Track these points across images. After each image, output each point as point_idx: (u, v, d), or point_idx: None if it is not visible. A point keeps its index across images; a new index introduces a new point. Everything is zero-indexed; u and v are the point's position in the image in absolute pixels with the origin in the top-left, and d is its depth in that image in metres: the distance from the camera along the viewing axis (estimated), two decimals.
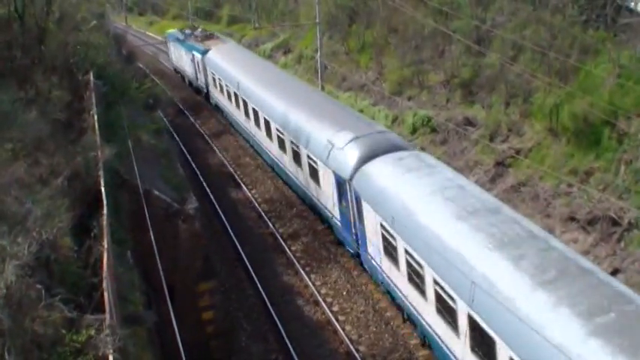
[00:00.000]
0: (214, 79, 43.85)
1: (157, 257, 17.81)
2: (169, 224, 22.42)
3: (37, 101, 22.19)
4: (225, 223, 30.61)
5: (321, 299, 24.35)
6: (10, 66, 24.53)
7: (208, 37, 49.57)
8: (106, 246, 14.45)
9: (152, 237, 18.71)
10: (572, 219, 24.62)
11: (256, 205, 32.46)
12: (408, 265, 19.30)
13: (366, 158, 23.09)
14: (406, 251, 19.19)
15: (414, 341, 21.52)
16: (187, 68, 51.37)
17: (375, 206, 21.23)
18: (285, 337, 22.29)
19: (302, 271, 26.19)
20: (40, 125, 19.46)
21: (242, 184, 35.07)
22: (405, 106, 36.72)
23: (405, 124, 35.51)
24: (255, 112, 34.78)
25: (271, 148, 33.25)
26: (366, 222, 22.42)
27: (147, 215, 19.97)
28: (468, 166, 30.38)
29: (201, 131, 44.13)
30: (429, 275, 17.95)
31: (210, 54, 44.71)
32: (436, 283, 17.51)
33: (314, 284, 25.36)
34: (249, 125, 37.17)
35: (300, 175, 29.28)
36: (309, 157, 27.13)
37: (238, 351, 22.44)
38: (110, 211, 16.92)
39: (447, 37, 35.64)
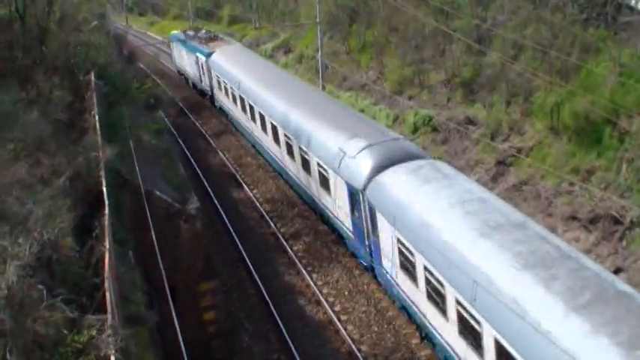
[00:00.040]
0: (219, 82, 42.95)
1: (159, 257, 17.82)
2: (171, 224, 22.42)
3: (38, 101, 22.21)
4: (227, 223, 30.60)
5: (322, 299, 24.34)
6: (12, 66, 24.55)
7: (212, 38, 48.76)
8: (107, 246, 14.45)
9: (154, 237, 18.72)
10: (574, 218, 24.60)
11: (258, 204, 32.46)
12: (427, 282, 18.31)
13: (380, 167, 22.15)
14: (425, 268, 18.18)
15: (415, 341, 21.51)
16: (191, 70, 50.63)
17: (391, 219, 20.21)
18: (287, 337, 22.28)
19: (304, 271, 26.18)
20: (41, 125, 19.47)
21: (243, 184, 35.06)
22: (405, 105, 36.71)
23: (406, 124, 35.50)
24: (262, 117, 33.80)
25: (278, 153, 32.37)
26: (380, 234, 21.44)
27: (148, 215, 19.98)
28: (469, 166, 30.37)
29: (203, 131, 44.11)
30: (450, 295, 16.95)
31: (214, 56, 43.95)
32: (459, 303, 16.52)
33: (316, 284, 25.36)
34: (255, 130, 36.18)
35: (309, 183, 28.33)
36: (319, 164, 26.10)
37: (240, 351, 22.43)
38: (112, 211, 16.93)
39: (447, 36, 35.63)
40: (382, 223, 20.96)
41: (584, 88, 26.53)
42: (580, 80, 27.55)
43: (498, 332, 14.81)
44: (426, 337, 20.34)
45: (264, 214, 31.33)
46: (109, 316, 12.18)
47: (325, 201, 26.60)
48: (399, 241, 19.81)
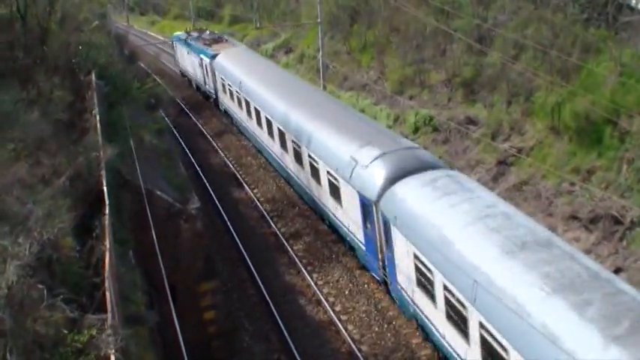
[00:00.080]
0: (224, 85, 42.07)
1: (159, 257, 17.84)
2: (171, 224, 22.45)
3: (39, 101, 22.24)
4: (227, 222, 30.61)
5: (323, 299, 24.34)
6: (12, 66, 24.58)
7: (217, 40, 48.15)
8: (107, 246, 14.48)
9: (154, 237, 18.74)
10: (575, 218, 24.60)
11: (258, 204, 32.47)
12: (447, 302, 17.27)
13: (394, 178, 21.13)
14: (445, 287, 17.18)
15: (415, 340, 21.51)
16: (195, 73, 49.90)
17: (407, 233, 19.18)
18: (288, 337, 22.28)
19: (304, 271, 26.19)
20: (42, 125, 19.50)
21: (244, 184, 35.07)
22: (406, 105, 36.71)
23: (406, 124, 35.52)
24: (269, 122, 32.75)
25: (286, 160, 31.36)
26: (395, 249, 20.41)
27: (149, 215, 20.00)
28: (469, 165, 30.38)
29: (204, 131, 44.13)
30: (473, 318, 15.92)
31: (219, 58, 42.97)
32: (482, 326, 15.47)
33: (316, 284, 25.36)
34: (261, 135, 35.14)
35: (318, 192, 27.32)
36: (329, 173, 25.09)
37: (240, 351, 22.42)
38: (112, 211, 16.95)
39: (448, 36, 35.64)
40: (397, 237, 19.97)
41: (585, 88, 26.54)
42: (581, 80, 27.54)
43: None
44: (445, 359, 19.10)
45: (265, 213, 31.33)
46: (109, 315, 12.20)
47: (335, 211, 25.69)
48: (415, 257, 18.78)
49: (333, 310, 23.66)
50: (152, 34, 79.87)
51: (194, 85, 52.41)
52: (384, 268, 22.14)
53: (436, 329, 18.66)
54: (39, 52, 26.23)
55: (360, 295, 24.41)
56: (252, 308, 24.64)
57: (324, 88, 40.01)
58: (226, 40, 48.79)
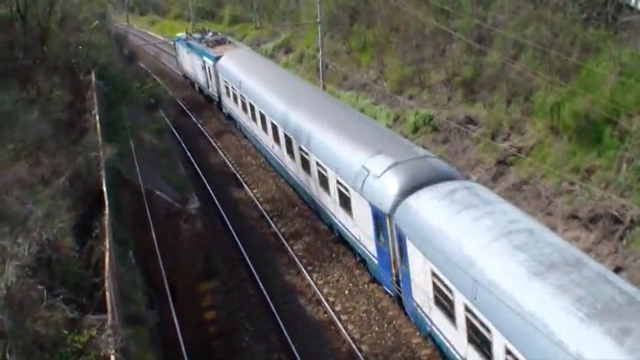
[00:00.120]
0: (227, 88, 41.34)
1: (159, 257, 17.85)
2: (171, 224, 22.45)
3: (38, 101, 22.23)
4: (227, 222, 30.61)
5: (323, 298, 24.34)
6: (12, 66, 24.58)
7: (220, 41, 47.45)
8: (107, 246, 14.47)
9: (154, 237, 18.74)
10: (574, 217, 24.62)
11: (258, 204, 32.47)
12: (469, 324, 16.33)
13: (409, 189, 20.26)
14: (467, 308, 16.27)
15: (416, 340, 21.52)
16: (198, 75, 49.22)
17: (425, 249, 18.24)
18: (288, 337, 22.28)
19: (304, 271, 26.19)
20: (41, 125, 19.49)
21: (244, 184, 35.07)
22: (406, 105, 36.72)
23: (406, 123, 35.53)
24: (275, 128, 31.75)
25: (293, 167, 30.38)
26: (411, 264, 19.51)
27: (148, 215, 20.00)
28: (469, 165, 30.40)
29: (203, 131, 44.13)
30: (499, 343, 14.92)
31: (222, 60, 42.25)
32: (509, 353, 14.49)
33: (316, 283, 25.37)
34: (267, 141, 34.21)
35: (327, 202, 26.41)
36: (339, 182, 24.17)
37: (240, 351, 22.43)
38: (112, 211, 16.95)
39: (448, 35, 35.64)
40: (413, 252, 19.03)
41: (585, 87, 26.55)
42: (580, 80, 27.55)
43: None
44: None
45: (265, 213, 31.33)
46: (109, 316, 12.20)
47: (346, 222, 24.82)
48: (434, 274, 17.85)
49: (333, 310, 23.67)
50: (152, 34, 79.89)
51: (197, 88, 51.60)
52: (397, 282, 21.34)
53: (456, 352, 17.65)
54: (39, 52, 26.24)
55: (360, 295, 24.41)
56: (252, 308, 24.64)
57: (324, 87, 40.02)
58: (229, 42, 48.15)
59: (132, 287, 16.99)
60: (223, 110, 44.62)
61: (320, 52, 40.34)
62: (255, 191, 34.13)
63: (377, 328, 22.60)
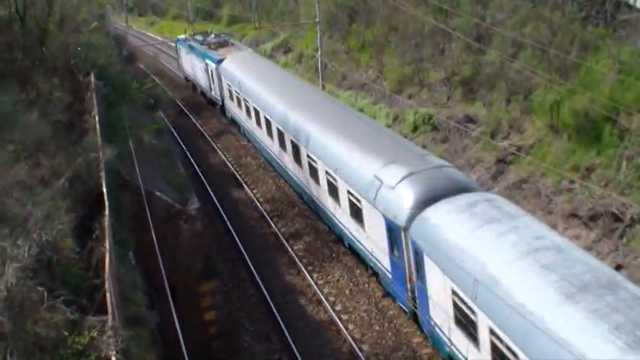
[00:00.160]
0: (230, 92, 40.59)
1: (159, 258, 17.85)
2: (171, 224, 22.45)
3: (38, 103, 22.23)
4: (227, 223, 30.62)
5: (323, 298, 24.34)
6: (11, 67, 24.58)
7: (222, 44, 46.90)
8: (107, 247, 14.48)
9: (154, 237, 18.75)
10: (574, 215, 24.63)
11: (258, 204, 32.47)
12: (494, 349, 15.38)
13: (426, 201, 19.32)
14: (492, 332, 15.30)
15: (416, 339, 21.52)
16: (200, 78, 48.59)
17: (444, 266, 17.34)
18: (288, 337, 22.29)
19: (304, 271, 26.18)
20: (41, 127, 19.50)
21: (244, 184, 35.07)
22: (405, 104, 36.73)
23: (405, 123, 35.53)
24: (280, 133, 30.90)
25: (300, 175, 29.33)
26: (428, 281, 18.52)
27: (148, 216, 20.00)
28: (469, 164, 30.41)
29: (203, 131, 44.13)
30: None
31: (225, 63, 41.59)
32: None
33: (316, 283, 25.37)
34: (272, 146, 33.32)
35: (337, 212, 25.45)
36: (350, 192, 23.29)
37: (241, 351, 22.43)
38: (112, 212, 16.95)
39: (447, 34, 35.66)
40: (432, 269, 18.08)
41: (584, 85, 26.56)
42: (579, 78, 27.57)
43: None
44: None
45: (265, 213, 31.33)
46: (110, 317, 12.20)
47: (357, 234, 23.85)
48: (454, 293, 16.93)
49: (334, 310, 23.67)
50: (151, 34, 79.91)
51: (199, 91, 50.90)
52: (413, 299, 20.42)
53: None
54: (38, 54, 26.25)
55: (360, 295, 24.41)
56: (252, 308, 24.65)
57: (323, 87, 40.02)
58: (232, 44, 47.66)
59: (132, 288, 16.99)
60: (227, 114, 43.79)
61: (319, 52, 40.32)
62: (255, 191, 34.14)
63: (377, 328, 22.60)
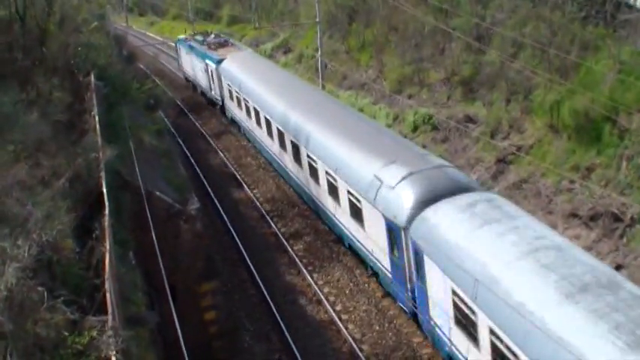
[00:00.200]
0: (230, 92, 40.41)
1: (159, 258, 17.87)
2: (171, 225, 22.48)
3: (38, 103, 22.26)
4: (227, 223, 30.61)
5: (323, 298, 24.33)
6: (12, 67, 24.60)
7: (222, 44, 46.81)
8: (107, 247, 14.50)
9: (154, 237, 18.77)
10: (575, 215, 24.62)
11: (258, 204, 32.46)
12: (494, 348, 15.38)
13: (426, 201, 19.34)
14: (492, 332, 15.33)
15: (417, 339, 21.51)
16: (200, 78, 48.51)
17: (444, 266, 17.35)
18: (288, 337, 22.28)
19: (304, 271, 26.18)
20: (41, 127, 19.52)
21: (244, 184, 35.06)
22: (405, 104, 36.73)
23: (405, 123, 35.53)
24: (280, 134, 30.87)
25: (300, 175, 29.37)
26: (428, 281, 18.57)
27: (149, 216, 20.04)
28: (469, 164, 30.40)
29: (203, 131, 44.13)
30: None
31: (225, 63, 41.50)
32: None
33: (316, 283, 25.36)
34: (272, 146, 33.31)
35: (337, 212, 25.46)
36: (349, 192, 23.27)
37: (241, 351, 22.42)
38: (112, 212, 16.97)
39: (447, 34, 35.66)
40: (432, 269, 18.09)
41: (584, 85, 26.55)
42: (579, 78, 27.56)
43: None
44: None
45: (265, 213, 31.32)
46: (110, 317, 12.22)
47: (357, 234, 23.88)
48: (454, 293, 16.96)
49: (334, 310, 23.66)
50: (151, 34, 79.93)
51: (199, 91, 50.86)
52: (413, 299, 20.42)
53: None
54: (38, 54, 26.28)
55: (360, 295, 24.40)
56: (252, 308, 24.64)
57: (323, 87, 40.01)
58: (232, 44, 47.62)
59: (132, 288, 17.01)
60: (227, 114, 43.77)
61: (319, 52, 40.32)
62: (255, 191, 34.13)
63: (378, 328, 22.59)
